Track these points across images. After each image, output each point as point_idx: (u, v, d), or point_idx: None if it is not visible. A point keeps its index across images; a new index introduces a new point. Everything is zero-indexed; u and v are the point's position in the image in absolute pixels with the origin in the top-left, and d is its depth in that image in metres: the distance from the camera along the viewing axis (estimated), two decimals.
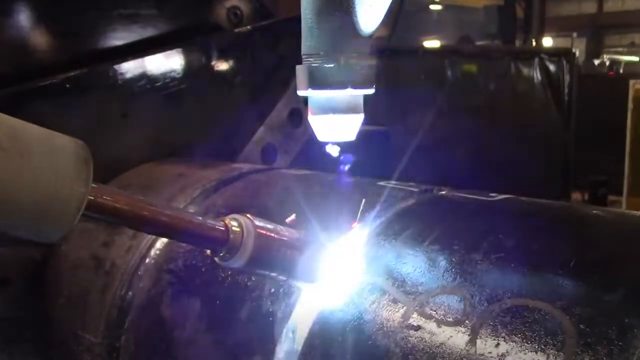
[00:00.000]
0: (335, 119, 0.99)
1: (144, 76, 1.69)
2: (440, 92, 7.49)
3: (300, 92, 1.01)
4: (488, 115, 7.51)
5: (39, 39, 1.61)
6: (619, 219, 1.06)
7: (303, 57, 1.01)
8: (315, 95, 1.00)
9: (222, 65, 1.84)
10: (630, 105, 10.81)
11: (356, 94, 1.00)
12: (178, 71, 1.75)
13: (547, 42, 19.16)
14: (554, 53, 7.68)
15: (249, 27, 1.87)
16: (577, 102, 7.50)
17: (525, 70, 7.73)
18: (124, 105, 1.69)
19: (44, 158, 0.71)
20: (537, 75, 7.75)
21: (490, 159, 7.18)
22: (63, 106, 1.59)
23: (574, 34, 20.44)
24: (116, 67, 1.65)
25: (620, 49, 21.35)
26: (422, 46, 9.75)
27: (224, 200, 1.43)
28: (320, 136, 1.01)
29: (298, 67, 1.02)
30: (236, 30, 1.86)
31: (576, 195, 10.85)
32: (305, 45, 1.00)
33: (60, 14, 1.62)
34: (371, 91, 1.01)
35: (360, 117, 1.01)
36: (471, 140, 7.25)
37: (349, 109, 0.99)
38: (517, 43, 15.90)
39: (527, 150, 7.29)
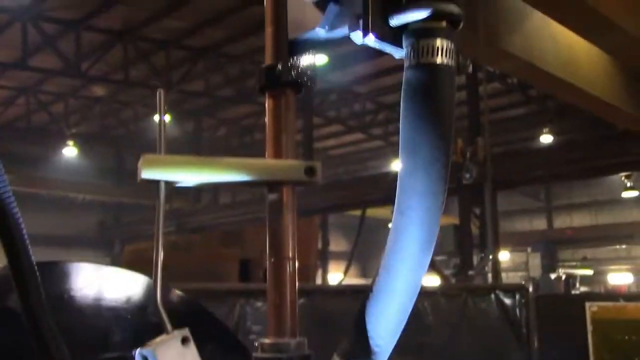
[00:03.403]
0: None
1: None
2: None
3: None
4: (447, 353, 7.49)
5: None
6: None
7: None
8: None
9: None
10: (589, 327, 10.90)
11: None
12: None
13: (504, 255, 19.81)
14: (508, 289, 7.92)
15: None
16: (537, 323, 7.60)
17: (482, 306, 7.87)
18: None
19: None
20: (494, 310, 7.89)
21: None
22: None
23: (529, 249, 21.22)
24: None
25: (574, 263, 22.10)
26: None
27: None
28: None
29: None
30: None
31: None
32: None
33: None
34: None
35: None
36: None
37: None
38: (475, 258, 16.33)
39: None
